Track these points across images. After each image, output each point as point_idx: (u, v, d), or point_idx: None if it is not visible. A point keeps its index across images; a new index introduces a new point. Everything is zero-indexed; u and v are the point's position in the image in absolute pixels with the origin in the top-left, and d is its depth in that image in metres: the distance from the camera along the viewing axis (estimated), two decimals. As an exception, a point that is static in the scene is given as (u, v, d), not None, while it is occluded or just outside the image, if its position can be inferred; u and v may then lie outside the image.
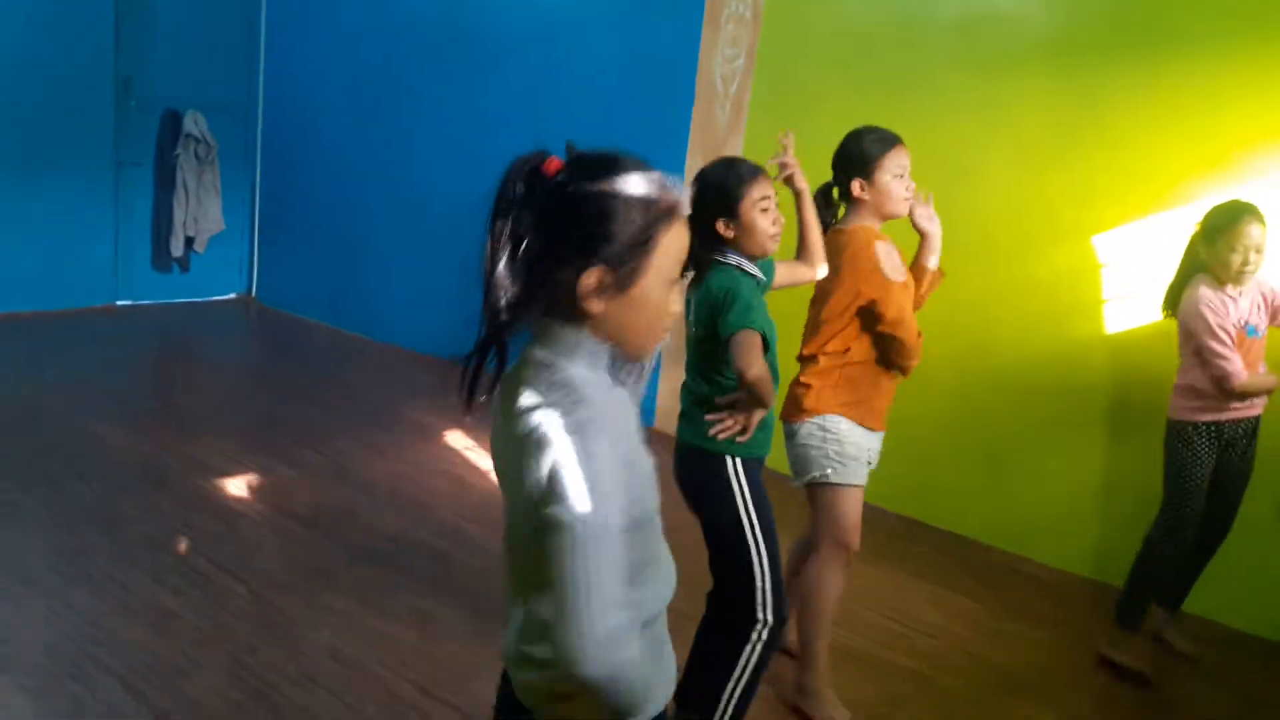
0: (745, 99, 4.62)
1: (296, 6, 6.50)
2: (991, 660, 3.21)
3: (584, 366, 1.28)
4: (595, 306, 1.27)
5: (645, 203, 1.27)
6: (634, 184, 1.28)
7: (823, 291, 2.69)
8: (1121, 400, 3.76)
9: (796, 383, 2.72)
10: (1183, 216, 3.52)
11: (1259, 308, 3.05)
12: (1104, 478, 3.82)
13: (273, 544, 3.53)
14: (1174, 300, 3.13)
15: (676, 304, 1.33)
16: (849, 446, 2.66)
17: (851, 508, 2.70)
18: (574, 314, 1.28)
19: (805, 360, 2.72)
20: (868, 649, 3.18)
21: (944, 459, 4.16)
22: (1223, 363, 2.94)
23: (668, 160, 4.87)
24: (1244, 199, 3.03)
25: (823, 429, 2.66)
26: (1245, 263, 2.93)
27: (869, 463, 2.73)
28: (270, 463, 4.21)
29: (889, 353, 2.67)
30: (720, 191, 2.29)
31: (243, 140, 6.80)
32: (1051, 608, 3.64)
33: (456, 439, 4.74)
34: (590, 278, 1.25)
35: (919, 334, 2.67)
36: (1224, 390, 2.97)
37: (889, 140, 2.69)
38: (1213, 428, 3.05)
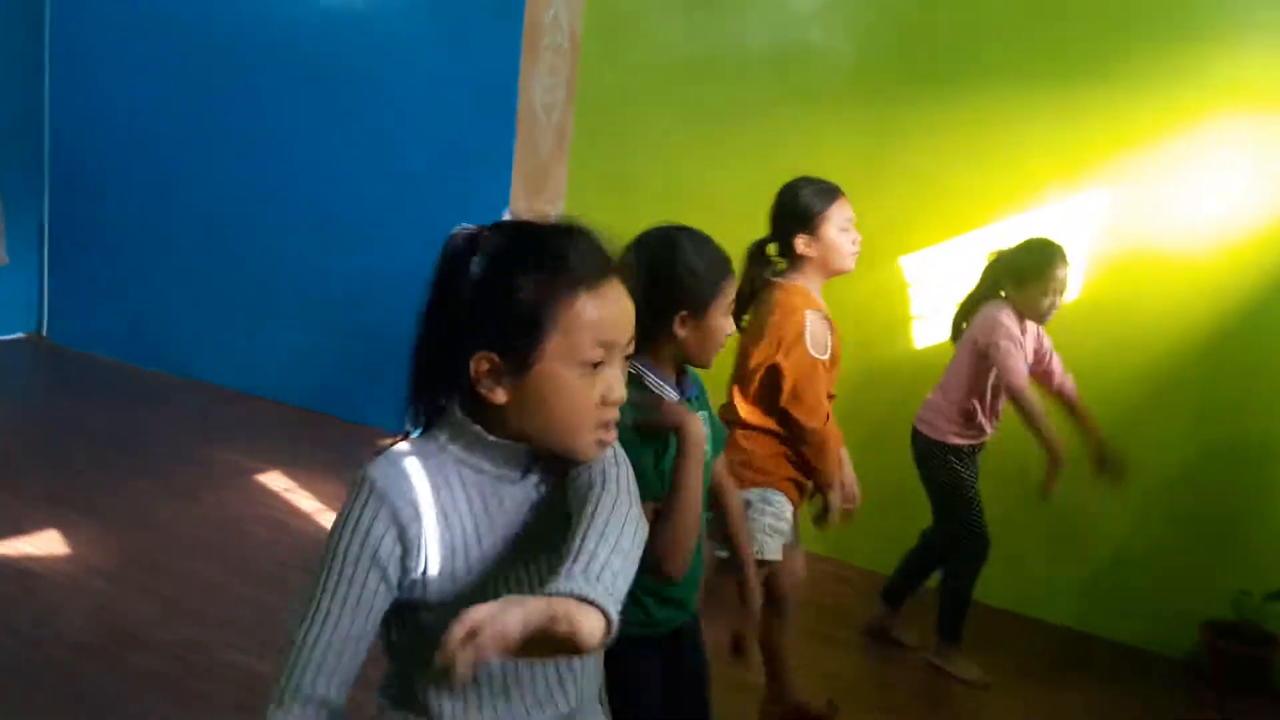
0: (568, 127, 4.63)
1: (88, 13, 6.03)
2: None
3: (454, 449, 1.18)
4: (496, 395, 1.14)
5: (537, 275, 1.12)
6: (524, 252, 1.14)
7: (742, 346, 2.57)
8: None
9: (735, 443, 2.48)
10: (982, 238, 3.78)
11: (1033, 350, 3.24)
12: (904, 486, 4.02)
13: (76, 605, 3.26)
14: (958, 331, 3.30)
15: (616, 390, 1.16)
16: (782, 522, 2.54)
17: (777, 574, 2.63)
18: (479, 402, 1.16)
19: (733, 422, 2.52)
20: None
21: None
22: (1014, 362, 3.06)
23: (491, 186, 4.84)
24: (1050, 238, 3.19)
25: (765, 500, 2.53)
26: (1054, 305, 3.10)
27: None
28: (68, 515, 3.89)
29: (797, 442, 2.52)
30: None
31: (26, 163, 6.28)
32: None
33: (275, 480, 4.52)
34: (479, 363, 1.13)
35: (827, 423, 2.53)
36: (1012, 391, 3.09)
37: (831, 192, 2.60)
38: (976, 446, 3.29)
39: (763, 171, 4.18)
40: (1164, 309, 3.58)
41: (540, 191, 4.76)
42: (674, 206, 4.36)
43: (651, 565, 1.51)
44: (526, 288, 1.11)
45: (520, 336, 1.11)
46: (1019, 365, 3.08)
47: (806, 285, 2.58)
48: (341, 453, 4.99)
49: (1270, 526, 3.51)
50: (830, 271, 2.63)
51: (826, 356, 2.52)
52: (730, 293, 1.84)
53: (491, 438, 1.16)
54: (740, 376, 2.57)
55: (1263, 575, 3.46)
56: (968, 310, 3.28)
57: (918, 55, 3.91)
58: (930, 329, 3.96)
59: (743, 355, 2.57)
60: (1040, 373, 3.28)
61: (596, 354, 1.13)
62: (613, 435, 1.18)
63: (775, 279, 2.59)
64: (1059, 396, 3.32)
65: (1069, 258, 3.12)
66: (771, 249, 2.63)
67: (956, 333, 3.32)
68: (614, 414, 1.16)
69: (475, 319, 1.13)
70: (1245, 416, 3.51)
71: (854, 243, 2.61)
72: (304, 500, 4.31)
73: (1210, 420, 3.56)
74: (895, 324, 4.04)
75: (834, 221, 2.57)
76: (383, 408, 5.33)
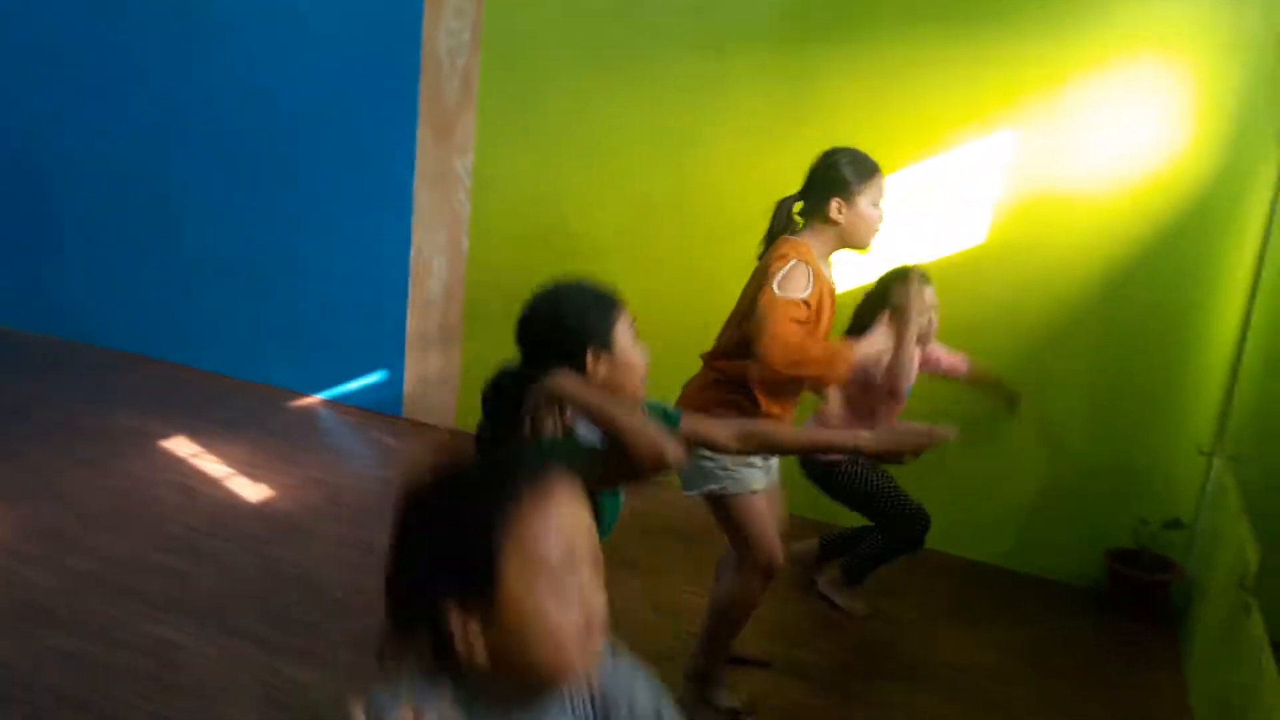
0: (474, 74, 4.52)
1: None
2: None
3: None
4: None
5: (473, 501, 1.02)
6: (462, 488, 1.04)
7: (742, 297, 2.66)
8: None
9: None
10: (892, 184, 3.82)
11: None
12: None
13: (-28, 582, 3.12)
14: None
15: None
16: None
17: (757, 517, 2.62)
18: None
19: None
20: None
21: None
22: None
23: (398, 134, 4.70)
24: (900, 267, 3.18)
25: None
26: (929, 322, 3.14)
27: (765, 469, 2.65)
28: (-42, 489, 3.71)
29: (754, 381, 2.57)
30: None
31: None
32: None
33: (180, 445, 4.37)
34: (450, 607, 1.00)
35: (820, 361, 2.49)
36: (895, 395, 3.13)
37: (873, 166, 2.63)
38: None
39: (674, 116, 4.20)
40: (1067, 250, 3.68)
41: (448, 139, 4.64)
42: (587, 152, 4.39)
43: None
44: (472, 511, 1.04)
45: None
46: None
47: (813, 245, 2.60)
48: (247, 413, 4.86)
49: (1167, 457, 3.67)
50: (849, 243, 2.65)
51: (799, 297, 2.47)
52: (626, 318, 1.86)
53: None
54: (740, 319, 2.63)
55: (1161, 504, 3.64)
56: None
57: (827, 2, 3.90)
58: (849, 276, 4.00)
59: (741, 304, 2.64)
60: (931, 368, 3.35)
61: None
62: None
63: (788, 236, 2.63)
64: (955, 375, 3.41)
65: (926, 278, 3.13)
66: (798, 206, 2.68)
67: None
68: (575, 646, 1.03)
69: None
70: (1143, 351, 3.65)
71: (880, 220, 2.64)
72: (211, 465, 4.18)
73: (1110, 355, 3.69)
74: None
75: (869, 195, 2.60)
76: (284, 368, 5.25)
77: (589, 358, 1.79)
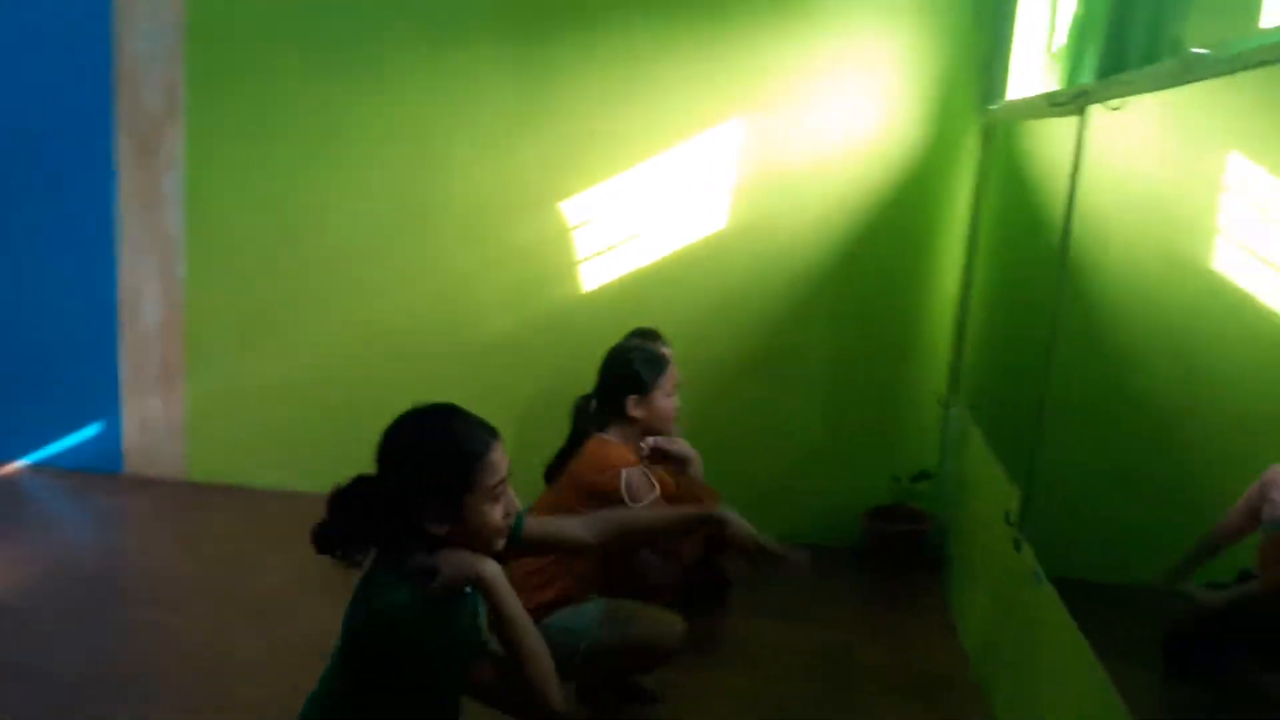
0: (179, 79, 4.13)
1: None
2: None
3: None
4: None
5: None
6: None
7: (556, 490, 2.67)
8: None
9: None
10: (637, 176, 3.85)
11: None
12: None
13: None
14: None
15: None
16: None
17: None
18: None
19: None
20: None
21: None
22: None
23: (93, 152, 4.23)
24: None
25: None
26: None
27: None
28: None
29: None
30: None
31: None
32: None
33: None
34: None
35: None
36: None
37: (663, 361, 2.73)
38: None
39: (412, 112, 4.01)
40: (801, 227, 3.83)
41: (153, 153, 4.22)
42: (317, 157, 4.11)
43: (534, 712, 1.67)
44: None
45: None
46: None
47: (624, 441, 2.67)
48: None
49: (912, 413, 3.89)
50: (653, 432, 2.75)
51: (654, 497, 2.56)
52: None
53: None
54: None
55: (911, 459, 3.84)
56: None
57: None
58: (597, 272, 3.98)
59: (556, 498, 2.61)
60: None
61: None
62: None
63: (598, 432, 2.68)
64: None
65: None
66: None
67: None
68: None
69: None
70: (878, 317, 3.85)
71: (676, 407, 2.76)
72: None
73: (849, 322, 3.87)
74: (563, 270, 4.01)
75: (663, 388, 2.69)
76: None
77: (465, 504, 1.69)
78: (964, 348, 3.62)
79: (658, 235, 3.91)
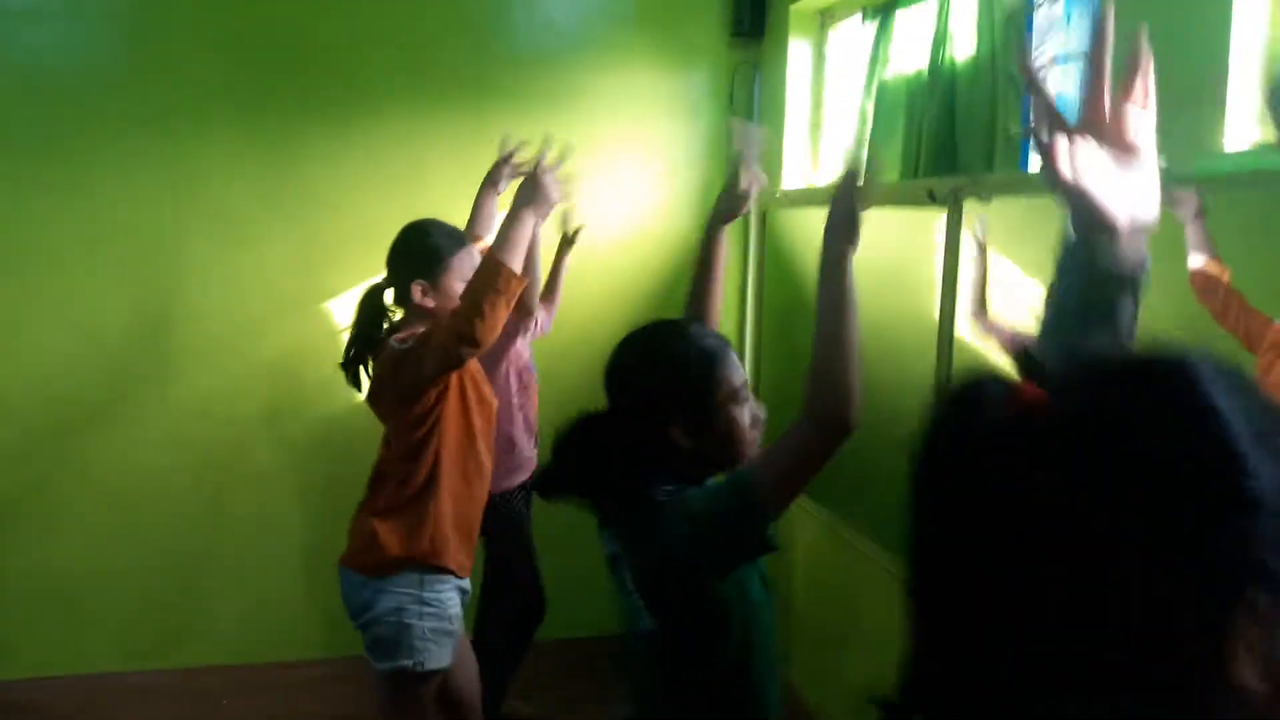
0: None
1: None
2: None
3: None
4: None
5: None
6: None
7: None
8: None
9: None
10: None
11: None
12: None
13: None
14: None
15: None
16: (446, 621, 2.26)
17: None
18: None
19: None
20: None
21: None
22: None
23: None
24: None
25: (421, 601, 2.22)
26: None
27: None
28: None
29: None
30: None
31: None
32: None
33: None
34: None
35: None
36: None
37: (459, 238, 2.31)
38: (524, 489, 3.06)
39: (136, 223, 3.42)
40: (585, 315, 3.79)
41: None
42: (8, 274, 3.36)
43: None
44: None
45: None
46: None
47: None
48: None
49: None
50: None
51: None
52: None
53: None
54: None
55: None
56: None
57: (305, 71, 3.51)
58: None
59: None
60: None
61: None
62: None
63: (391, 340, 2.23)
64: None
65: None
66: (388, 296, 2.33)
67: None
68: None
69: None
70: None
71: None
72: None
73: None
74: (329, 382, 3.60)
75: (458, 271, 2.26)
76: None
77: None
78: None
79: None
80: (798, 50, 3.59)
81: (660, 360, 1.49)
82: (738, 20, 3.75)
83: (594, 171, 3.69)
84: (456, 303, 2.21)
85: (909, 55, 2.94)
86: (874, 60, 3.09)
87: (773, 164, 3.66)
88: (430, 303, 2.25)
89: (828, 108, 3.56)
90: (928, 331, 2.56)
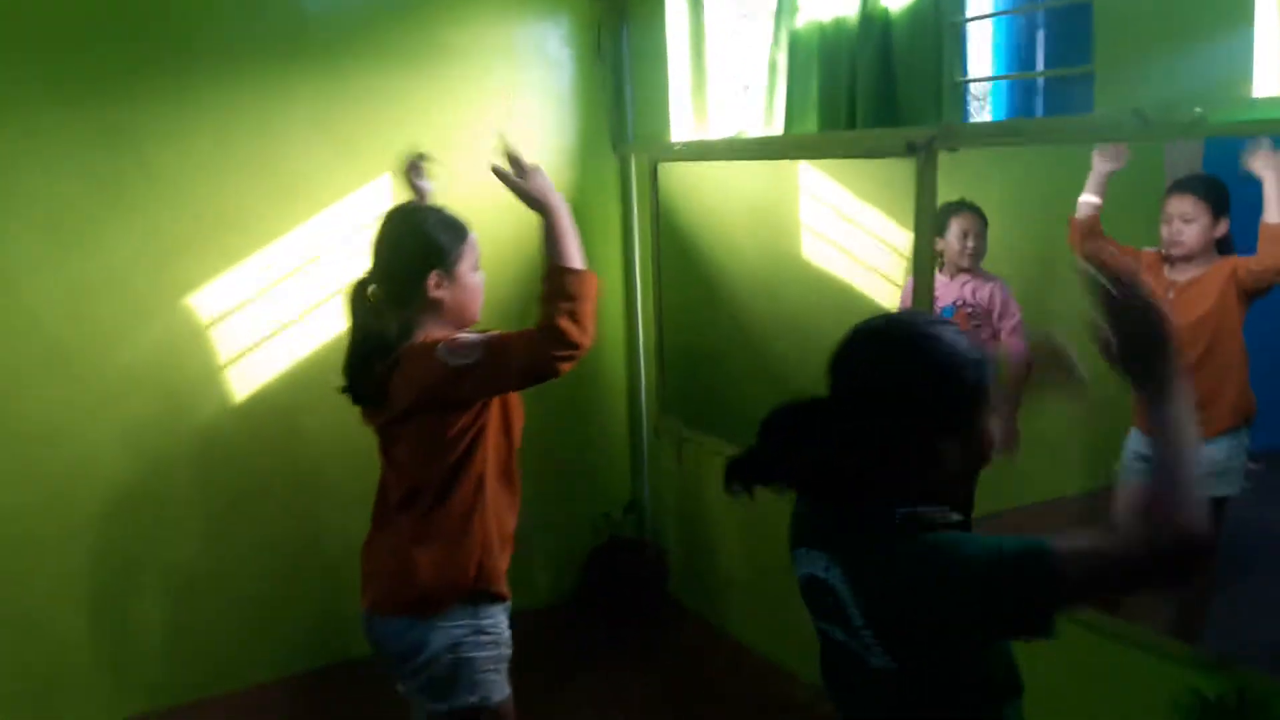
0: None
1: None
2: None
3: None
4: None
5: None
6: None
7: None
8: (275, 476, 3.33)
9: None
10: (272, 256, 3.22)
11: None
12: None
13: None
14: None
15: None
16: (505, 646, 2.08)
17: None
18: None
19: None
20: None
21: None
22: None
23: None
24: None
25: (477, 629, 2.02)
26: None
27: None
28: None
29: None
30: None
31: None
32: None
33: None
34: None
35: None
36: None
37: (458, 222, 2.08)
38: None
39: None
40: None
41: None
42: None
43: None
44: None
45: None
46: None
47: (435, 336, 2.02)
48: None
49: (602, 453, 3.91)
50: (465, 320, 2.10)
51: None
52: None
53: None
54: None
55: (613, 497, 3.89)
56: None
57: (135, 39, 3.00)
58: (250, 374, 3.25)
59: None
60: None
61: None
62: None
63: (438, 347, 1.95)
64: None
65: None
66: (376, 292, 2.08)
67: None
68: None
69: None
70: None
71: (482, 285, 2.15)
72: None
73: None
74: (199, 385, 3.19)
75: (468, 259, 2.08)
76: None
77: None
78: (666, 373, 3.74)
79: (316, 317, 3.33)
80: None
81: (934, 361, 1.29)
82: (600, -34, 3.61)
83: (456, 129, 3.45)
84: (470, 292, 2.08)
85: (823, 4, 2.94)
86: (781, 10, 3.08)
87: (659, 117, 3.58)
88: (445, 294, 2.04)
89: (710, 58, 3.51)
90: (899, 277, 2.64)
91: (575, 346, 1.89)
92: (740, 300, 3.52)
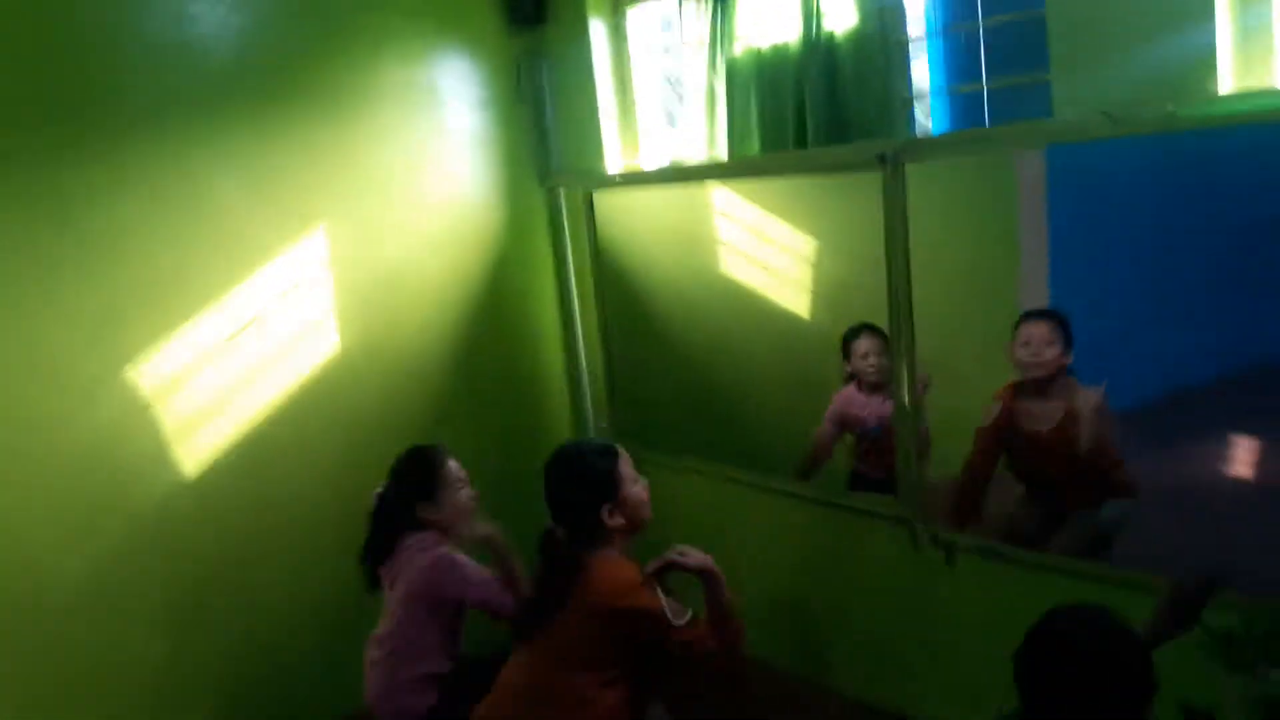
0: None
1: None
2: None
3: None
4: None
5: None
6: None
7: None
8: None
9: None
10: (219, 318, 3.06)
11: None
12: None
13: None
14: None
15: None
16: None
17: None
18: None
19: None
20: None
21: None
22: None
23: None
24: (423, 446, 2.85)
25: None
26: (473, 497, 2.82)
27: None
28: None
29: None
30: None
31: None
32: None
33: None
34: None
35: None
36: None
37: (613, 448, 2.36)
38: None
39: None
40: (419, 323, 3.52)
41: None
42: None
43: None
44: None
45: None
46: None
47: (624, 557, 2.32)
48: None
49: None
50: (636, 530, 2.36)
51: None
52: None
53: None
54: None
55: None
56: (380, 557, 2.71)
57: (58, 103, 2.80)
58: (197, 448, 3.07)
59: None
60: None
61: None
62: None
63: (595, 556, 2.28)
64: None
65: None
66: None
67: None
68: None
69: None
70: (511, 393, 3.77)
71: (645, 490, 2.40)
72: None
73: (483, 408, 3.71)
74: (147, 461, 3.00)
75: (627, 479, 2.34)
76: None
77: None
78: (617, 397, 3.76)
79: (266, 378, 3.19)
80: (596, 32, 3.54)
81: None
82: (514, 8, 3.61)
83: (383, 171, 3.39)
84: (633, 506, 2.33)
85: (760, 31, 3.05)
86: (716, 38, 3.17)
87: (589, 148, 3.61)
88: (622, 521, 2.29)
89: (637, 89, 3.57)
90: (877, 290, 2.75)
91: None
92: (680, 322, 3.58)
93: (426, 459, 2.69)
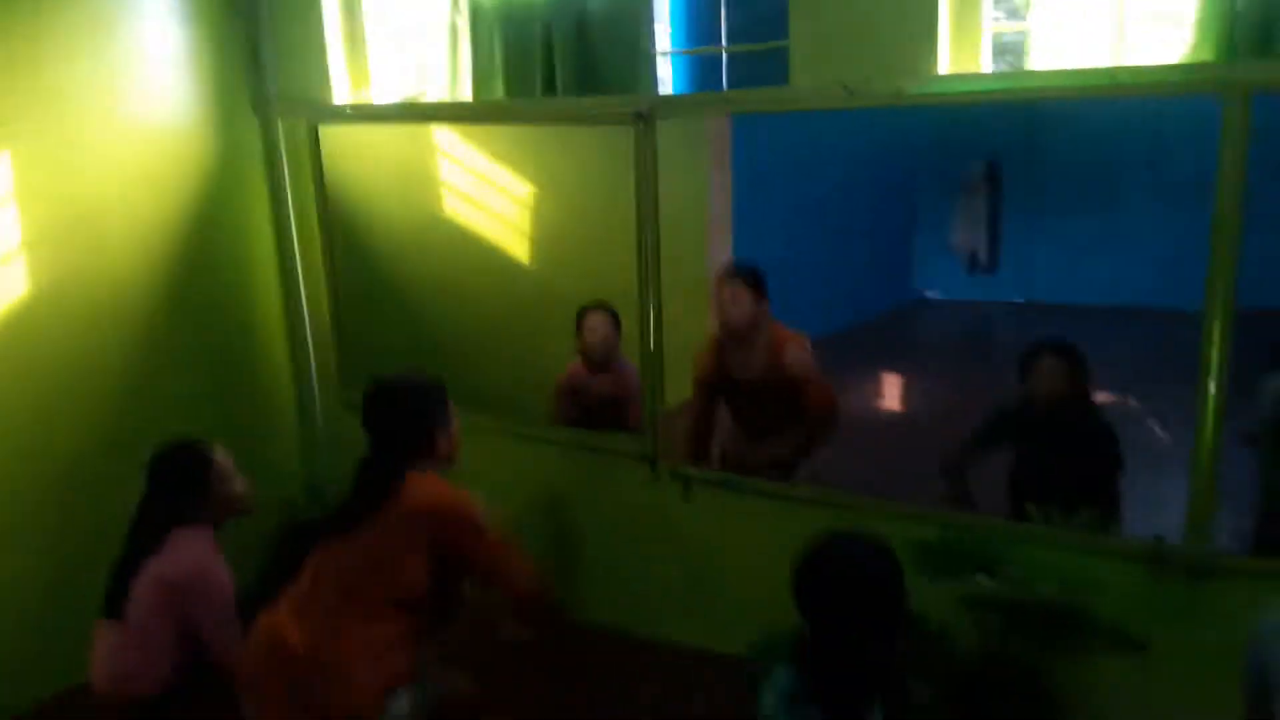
0: None
1: None
2: None
3: None
4: None
5: None
6: None
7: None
8: None
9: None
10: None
11: None
12: None
13: None
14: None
15: None
16: None
17: None
18: None
19: None
20: None
21: None
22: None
23: None
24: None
25: None
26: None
27: None
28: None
29: None
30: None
31: None
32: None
33: None
34: None
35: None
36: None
37: (441, 383, 2.33)
38: None
39: None
40: (116, 268, 3.17)
41: None
42: None
43: None
44: None
45: None
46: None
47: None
48: None
49: (269, 438, 3.69)
50: (451, 466, 2.31)
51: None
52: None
53: None
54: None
55: (289, 482, 3.71)
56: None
57: None
58: None
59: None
60: None
61: None
62: None
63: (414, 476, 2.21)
64: None
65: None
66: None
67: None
68: None
69: None
70: (216, 345, 3.50)
71: None
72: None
73: (190, 367, 3.41)
74: None
75: (453, 411, 2.32)
76: None
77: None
78: (345, 345, 3.61)
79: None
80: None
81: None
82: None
83: (69, 84, 3.02)
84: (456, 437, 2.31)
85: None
86: (461, -25, 3.09)
87: (312, 76, 3.40)
88: (448, 448, 2.29)
89: (368, 14, 3.39)
90: (626, 236, 2.86)
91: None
92: (414, 269, 3.51)
93: (192, 459, 2.44)
